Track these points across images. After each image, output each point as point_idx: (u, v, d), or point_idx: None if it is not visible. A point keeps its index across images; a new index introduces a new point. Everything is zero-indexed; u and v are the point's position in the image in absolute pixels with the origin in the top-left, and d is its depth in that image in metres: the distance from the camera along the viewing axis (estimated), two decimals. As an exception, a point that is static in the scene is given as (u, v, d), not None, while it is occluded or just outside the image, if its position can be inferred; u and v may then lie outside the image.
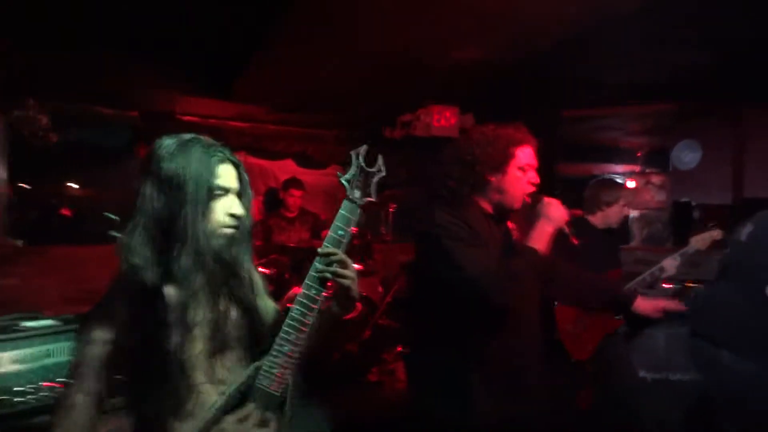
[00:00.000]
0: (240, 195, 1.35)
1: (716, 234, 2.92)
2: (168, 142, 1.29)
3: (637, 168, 5.17)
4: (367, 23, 3.35)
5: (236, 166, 1.35)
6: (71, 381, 1.20)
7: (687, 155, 4.66)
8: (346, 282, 1.34)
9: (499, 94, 4.88)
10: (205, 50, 3.92)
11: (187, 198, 1.25)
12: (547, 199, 1.95)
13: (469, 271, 1.76)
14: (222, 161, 1.31)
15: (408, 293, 2.03)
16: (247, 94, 4.83)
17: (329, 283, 1.35)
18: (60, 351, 1.99)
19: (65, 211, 5.72)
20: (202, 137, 1.33)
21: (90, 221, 5.51)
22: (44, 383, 1.95)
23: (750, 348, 2.49)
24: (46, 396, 1.92)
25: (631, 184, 5.21)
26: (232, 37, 3.68)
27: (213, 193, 1.29)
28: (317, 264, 1.33)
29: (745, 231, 2.54)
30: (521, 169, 1.94)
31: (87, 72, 4.31)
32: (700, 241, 2.96)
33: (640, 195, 4.87)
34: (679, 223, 4.73)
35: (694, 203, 4.57)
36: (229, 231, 1.31)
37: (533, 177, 1.97)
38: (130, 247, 1.23)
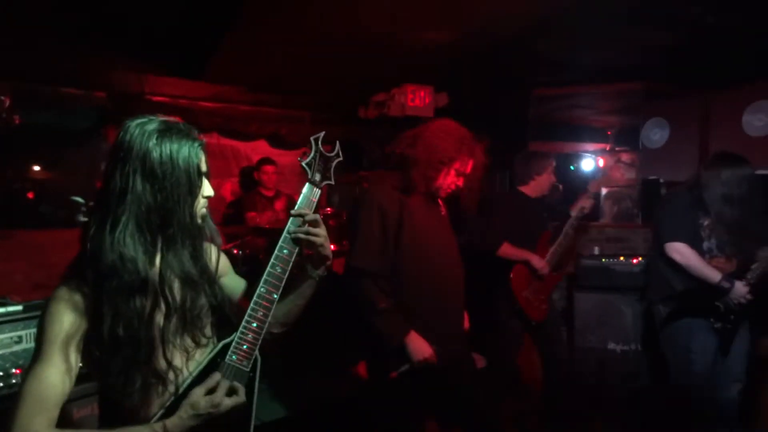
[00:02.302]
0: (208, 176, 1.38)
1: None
2: (146, 130, 1.26)
3: (607, 146, 5.24)
4: (339, 3, 3.30)
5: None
6: (38, 355, 1.19)
7: (656, 133, 4.75)
8: (318, 240, 1.42)
9: (471, 74, 4.88)
10: (176, 29, 3.82)
11: (180, 188, 1.26)
12: None
13: None
14: (202, 147, 1.33)
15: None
16: (218, 75, 4.74)
17: (307, 252, 1.44)
18: (31, 337, 1.97)
19: (30, 195, 5.57)
20: (171, 120, 1.32)
21: (56, 205, 5.38)
22: (15, 370, 1.92)
23: (669, 298, 2.95)
24: (16, 383, 1.90)
25: (600, 162, 5.30)
26: (203, 15, 3.59)
27: (201, 180, 1.33)
28: (290, 225, 1.41)
29: (657, 211, 3.11)
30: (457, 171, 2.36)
31: (52, 52, 4.17)
32: (596, 185, 3.79)
33: (610, 173, 4.96)
34: (648, 200, 4.84)
35: (662, 180, 4.67)
36: (204, 211, 1.36)
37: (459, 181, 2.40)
38: (118, 240, 1.21)
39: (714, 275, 2.82)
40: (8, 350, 1.94)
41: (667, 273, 2.99)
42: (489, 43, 4.05)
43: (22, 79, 4.59)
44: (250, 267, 4.34)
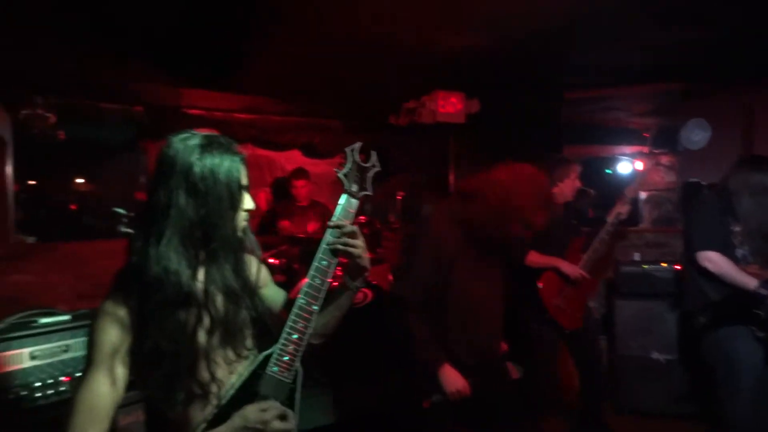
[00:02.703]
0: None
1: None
2: (189, 145, 1.28)
3: (645, 149, 5.13)
4: (368, 10, 3.32)
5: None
6: (88, 367, 1.21)
7: (696, 134, 4.62)
8: (356, 251, 1.42)
9: (502, 78, 4.85)
10: (208, 42, 3.90)
11: (222, 203, 1.28)
12: None
13: None
14: (243, 161, 1.35)
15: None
16: (251, 86, 4.82)
17: (342, 260, 1.44)
18: (77, 346, 2.03)
19: (74, 207, 5.76)
20: (213, 135, 1.34)
21: (98, 217, 5.54)
22: (63, 378, 1.98)
23: (706, 307, 2.84)
24: (65, 390, 1.96)
25: (639, 165, 5.19)
26: (234, 27, 3.66)
27: (242, 193, 1.34)
28: (329, 236, 1.41)
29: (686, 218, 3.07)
30: None
31: (91, 68, 4.31)
32: (632, 190, 3.60)
33: (649, 176, 4.84)
34: (689, 203, 4.70)
35: (704, 183, 4.54)
36: (245, 224, 1.37)
37: None
38: (162, 254, 1.23)
39: (750, 282, 2.71)
40: (57, 359, 2.00)
41: (701, 282, 2.88)
42: (519, 47, 4.01)
43: (64, 95, 4.75)
44: (285, 276, 4.38)
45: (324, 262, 1.40)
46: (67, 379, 1.99)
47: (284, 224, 4.91)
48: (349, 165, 1.47)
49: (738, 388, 2.77)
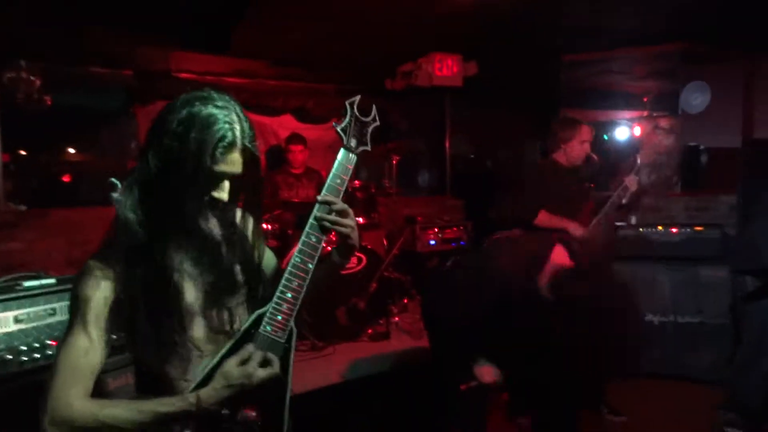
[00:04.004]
0: (239, 177, 1.27)
1: None
2: (180, 99, 1.21)
3: (644, 112, 5.05)
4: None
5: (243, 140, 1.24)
6: (70, 327, 1.18)
7: (696, 98, 4.55)
8: (345, 230, 1.36)
9: (499, 40, 4.73)
10: (200, 3, 3.78)
11: (190, 160, 1.17)
12: None
13: None
14: (233, 118, 1.22)
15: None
16: (243, 49, 4.70)
17: (332, 234, 1.37)
18: (64, 309, 1.99)
19: (66, 178, 5.68)
20: (212, 92, 1.23)
21: (88, 183, 5.47)
22: (51, 341, 1.96)
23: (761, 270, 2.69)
24: (52, 354, 1.94)
25: (637, 130, 5.12)
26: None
27: (221, 153, 1.21)
28: (317, 212, 1.34)
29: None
30: None
31: (78, 32, 4.18)
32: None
33: (648, 140, 4.77)
34: (688, 167, 4.67)
35: (702, 147, 4.49)
36: (224, 194, 1.27)
37: None
38: (126, 204, 1.19)
39: None
40: (43, 322, 1.97)
41: (762, 245, 2.77)
42: (517, 7, 3.90)
43: (51, 60, 4.62)
44: (279, 242, 4.35)
45: (313, 237, 1.34)
46: (55, 342, 1.96)
47: (281, 193, 4.85)
48: (347, 119, 1.38)
49: (759, 358, 2.72)
